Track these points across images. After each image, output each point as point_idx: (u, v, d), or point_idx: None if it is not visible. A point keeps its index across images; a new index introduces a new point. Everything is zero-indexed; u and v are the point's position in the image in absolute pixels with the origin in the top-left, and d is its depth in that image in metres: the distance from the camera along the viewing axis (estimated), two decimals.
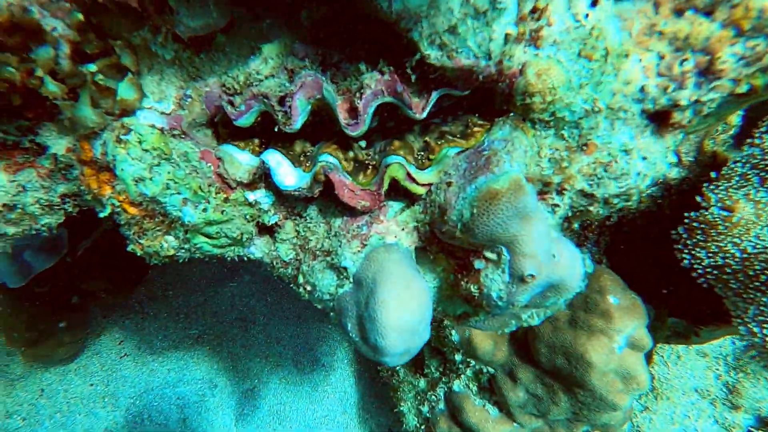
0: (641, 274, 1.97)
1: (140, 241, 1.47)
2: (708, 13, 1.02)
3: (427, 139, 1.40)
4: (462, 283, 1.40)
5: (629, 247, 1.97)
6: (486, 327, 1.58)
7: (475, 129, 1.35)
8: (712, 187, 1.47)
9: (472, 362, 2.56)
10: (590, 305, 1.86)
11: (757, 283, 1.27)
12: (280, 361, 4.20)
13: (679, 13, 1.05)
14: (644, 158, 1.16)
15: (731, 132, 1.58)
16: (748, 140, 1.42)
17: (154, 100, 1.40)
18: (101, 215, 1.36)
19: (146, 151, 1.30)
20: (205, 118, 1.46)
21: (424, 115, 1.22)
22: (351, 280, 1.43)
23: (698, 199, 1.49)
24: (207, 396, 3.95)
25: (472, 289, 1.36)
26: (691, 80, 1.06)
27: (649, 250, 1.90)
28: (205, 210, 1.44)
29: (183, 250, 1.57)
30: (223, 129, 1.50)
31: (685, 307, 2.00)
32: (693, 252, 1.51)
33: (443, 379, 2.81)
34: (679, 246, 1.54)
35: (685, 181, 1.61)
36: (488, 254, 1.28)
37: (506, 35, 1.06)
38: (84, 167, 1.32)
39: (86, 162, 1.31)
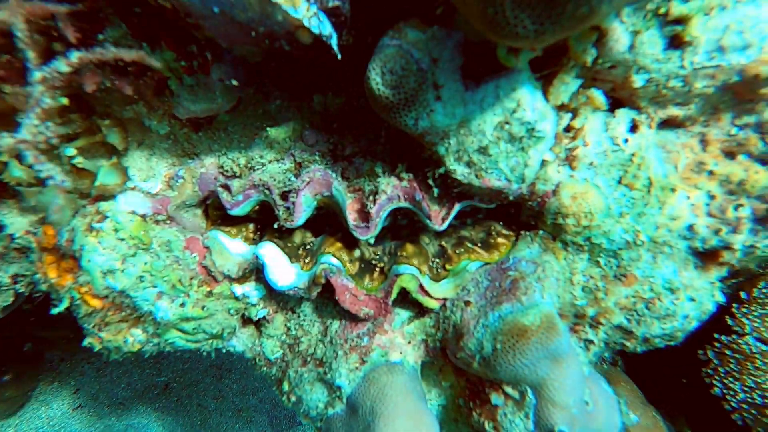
0: (659, 384, 1.78)
1: (100, 334, 1.25)
2: (764, 161, 0.94)
3: (443, 243, 1.26)
4: (474, 414, 1.20)
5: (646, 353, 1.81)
6: None
7: (499, 240, 1.22)
8: (744, 311, 1.35)
9: None
10: None
11: None
12: (254, 416, 3.75)
13: (729, 155, 0.97)
14: (692, 299, 1.03)
15: None
16: None
17: (141, 179, 1.25)
18: (54, 311, 1.15)
19: (122, 240, 1.13)
20: (196, 199, 1.30)
21: (445, 227, 1.08)
22: (344, 402, 1.21)
23: (729, 322, 1.36)
24: None
25: (487, 427, 1.15)
26: (746, 226, 0.96)
27: (669, 361, 1.74)
28: (182, 305, 1.24)
29: (151, 345, 1.35)
30: (214, 211, 1.35)
31: (710, 427, 1.80)
32: (725, 381, 1.36)
33: None
34: (709, 371, 1.39)
35: None
36: (509, 391, 1.09)
37: (543, 161, 0.95)
38: (44, 254, 1.13)
39: (47, 249, 1.12)
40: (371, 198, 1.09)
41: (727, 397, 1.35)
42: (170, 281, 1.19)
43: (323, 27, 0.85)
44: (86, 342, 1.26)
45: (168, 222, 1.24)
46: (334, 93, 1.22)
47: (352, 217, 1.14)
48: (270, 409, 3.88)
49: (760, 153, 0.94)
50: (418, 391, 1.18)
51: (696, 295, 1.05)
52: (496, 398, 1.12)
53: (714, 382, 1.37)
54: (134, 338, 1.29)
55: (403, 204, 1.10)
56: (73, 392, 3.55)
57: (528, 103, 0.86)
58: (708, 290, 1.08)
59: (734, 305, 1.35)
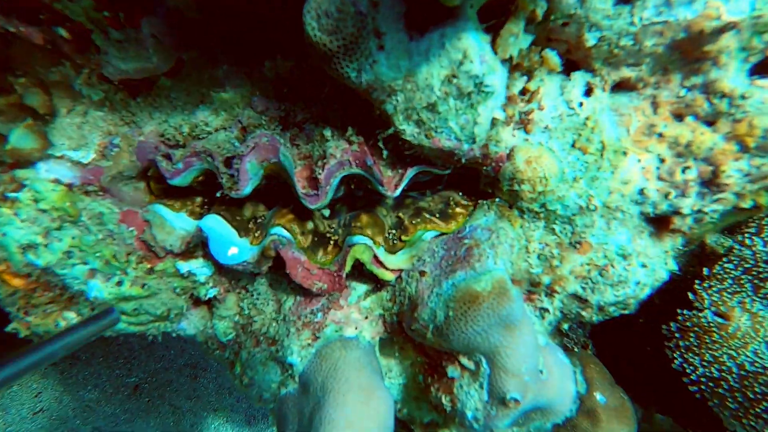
0: (628, 363, 1.82)
1: (26, 318, 1.14)
2: (709, 122, 0.94)
3: (400, 215, 1.21)
4: (432, 389, 1.17)
5: (616, 333, 1.83)
6: None
7: (457, 210, 1.18)
8: (705, 285, 1.37)
9: None
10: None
11: (758, 410, 1.14)
12: (230, 415, 3.63)
13: (678, 117, 0.97)
14: (644, 265, 1.02)
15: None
16: (739, 237, 1.35)
17: (70, 147, 1.13)
18: None
19: (43, 211, 1.02)
20: (135, 170, 1.20)
21: (398, 193, 1.04)
22: (297, 380, 1.16)
23: (690, 296, 1.39)
24: None
25: (444, 401, 1.12)
26: (693, 189, 0.96)
27: (637, 339, 1.77)
28: (119, 283, 1.15)
29: None
30: (156, 185, 1.25)
31: (677, 408, 1.85)
32: (686, 356, 1.39)
33: None
34: (671, 345, 1.41)
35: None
36: (464, 362, 1.06)
37: (493, 120, 0.91)
38: None
39: None
40: (320, 163, 1.03)
41: (687, 371, 1.37)
42: (103, 257, 1.10)
43: None
44: (10, 327, 1.15)
45: (101, 194, 1.14)
46: (283, 56, 1.15)
47: (301, 184, 1.07)
48: (247, 408, 3.77)
49: (706, 114, 0.94)
50: (374, 366, 1.13)
51: (648, 262, 1.05)
52: (452, 371, 1.09)
53: (675, 356, 1.40)
54: (67, 322, 1.18)
55: (355, 170, 1.04)
56: (34, 396, 3.33)
57: (475, 54, 0.82)
58: (661, 258, 1.09)
59: (696, 281, 1.37)
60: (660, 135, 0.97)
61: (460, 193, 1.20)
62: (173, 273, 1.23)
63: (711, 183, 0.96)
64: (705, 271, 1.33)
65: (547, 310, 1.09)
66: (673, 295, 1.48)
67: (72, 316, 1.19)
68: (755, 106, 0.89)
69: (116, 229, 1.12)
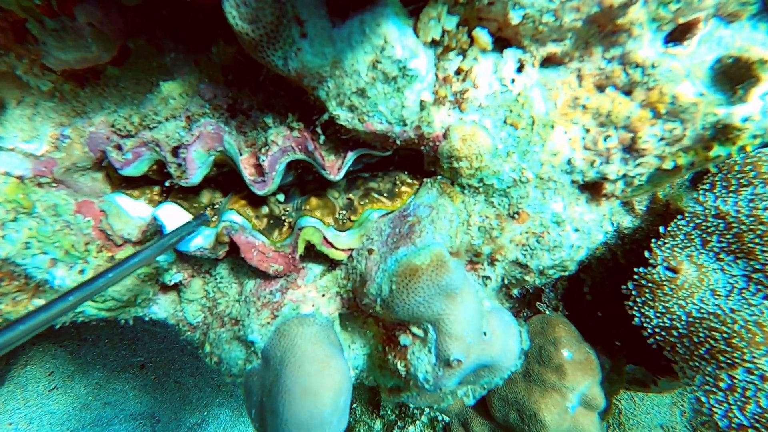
0: (597, 321, 1.92)
1: None
2: (627, 92, 0.99)
3: (351, 196, 1.26)
4: (389, 357, 1.25)
5: (585, 294, 1.92)
6: (419, 403, 1.42)
7: (403, 189, 1.23)
8: (660, 243, 1.44)
9: (427, 409, 2.42)
10: (544, 358, 1.77)
11: (702, 351, 1.23)
12: (234, 390, 3.77)
13: (600, 88, 1.01)
14: (577, 230, 1.09)
15: (686, 177, 1.55)
16: (694, 194, 1.41)
17: (21, 139, 1.15)
18: None
19: None
20: (89, 161, 1.23)
21: (340, 176, 1.08)
22: (259, 356, 1.23)
23: (647, 254, 1.45)
24: None
25: (399, 367, 1.20)
26: (616, 156, 1.01)
27: (605, 298, 1.87)
28: (81, 272, 1.19)
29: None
30: (115, 174, 1.28)
31: (643, 356, 1.97)
32: (642, 310, 1.46)
33: (399, 424, 2.65)
34: (630, 303, 1.49)
35: (638, 230, 1.58)
36: (415, 330, 1.14)
37: (422, 102, 0.95)
38: None
39: None
40: (263, 150, 1.07)
41: (644, 324, 1.45)
42: (62, 247, 1.14)
43: None
44: None
45: (55, 185, 1.16)
46: (225, 41, 1.16)
47: (248, 171, 1.11)
48: None
49: (623, 84, 0.99)
50: (330, 339, 1.20)
51: (582, 226, 1.11)
52: (404, 339, 1.16)
53: (634, 312, 1.48)
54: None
55: (298, 155, 1.08)
56: (48, 374, 3.41)
57: (395, 39, 0.84)
58: (598, 221, 1.15)
59: (653, 240, 1.43)
60: (584, 107, 1.01)
61: (406, 173, 1.25)
62: None
63: (631, 149, 1.01)
64: (661, 229, 1.39)
65: (489, 277, 1.16)
66: (636, 253, 1.55)
67: (41, 303, 1.24)
68: (664, 74, 0.93)
69: (72, 220, 1.15)
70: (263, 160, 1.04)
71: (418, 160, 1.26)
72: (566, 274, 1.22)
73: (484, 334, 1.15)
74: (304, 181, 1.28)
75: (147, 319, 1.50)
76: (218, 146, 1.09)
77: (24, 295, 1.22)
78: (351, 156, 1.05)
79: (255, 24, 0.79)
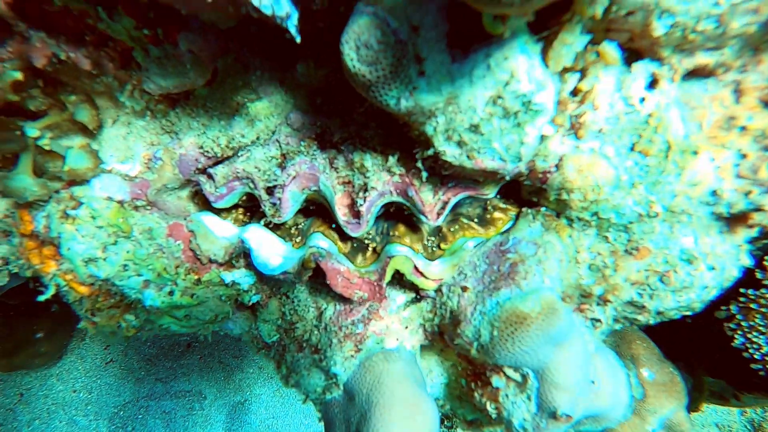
0: (676, 334, 1.72)
1: (93, 318, 1.23)
2: None
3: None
4: (476, 394, 1.16)
5: None
6: None
7: (496, 215, 1.12)
8: None
9: None
10: None
11: None
12: (275, 373, 3.90)
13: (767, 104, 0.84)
14: (713, 268, 0.93)
15: None
16: None
17: (118, 160, 1.18)
18: (41, 298, 1.13)
19: (100, 228, 1.08)
20: (178, 182, 1.24)
21: (440, 222, 1.00)
22: (341, 388, 1.18)
23: (758, 275, 1.27)
24: (195, 409, 3.59)
25: (489, 408, 1.11)
26: None
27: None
28: (171, 293, 1.21)
29: (146, 330, 1.34)
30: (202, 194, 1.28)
31: (728, 370, 1.74)
32: (749, 335, 1.29)
33: None
34: (732, 325, 1.32)
35: None
36: (511, 374, 1.04)
37: (542, 136, 0.84)
38: (24, 239, 1.09)
39: (26, 235, 1.09)
40: (362, 195, 1.01)
41: (750, 350, 1.28)
42: (155, 270, 1.15)
43: (278, 5, 0.73)
44: (81, 325, 1.25)
45: (149, 208, 1.18)
46: (316, 63, 1.11)
47: (341, 212, 1.06)
48: None
49: None
50: (416, 376, 1.13)
51: (717, 263, 0.95)
52: (497, 381, 1.07)
53: (736, 336, 1.30)
54: (128, 323, 1.27)
55: (396, 199, 1.01)
56: (104, 348, 3.68)
57: (523, 72, 0.74)
58: (733, 254, 0.98)
59: (765, 257, 1.24)
60: (743, 128, 0.85)
61: (498, 197, 1.14)
62: (219, 282, 1.27)
63: None
64: None
65: (599, 320, 1.03)
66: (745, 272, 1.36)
67: (132, 318, 1.28)
68: None
69: (165, 243, 1.17)
70: (360, 204, 0.98)
71: (509, 183, 1.15)
72: (690, 314, 1.06)
73: (592, 382, 1.03)
74: (389, 204, 1.21)
75: (222, 333, 1.52)
76: (313, 186, 1.05)
77: (117, 311, 1.26)
78: (453, 200, 0.97)
79: (374, 66, 0.73)
